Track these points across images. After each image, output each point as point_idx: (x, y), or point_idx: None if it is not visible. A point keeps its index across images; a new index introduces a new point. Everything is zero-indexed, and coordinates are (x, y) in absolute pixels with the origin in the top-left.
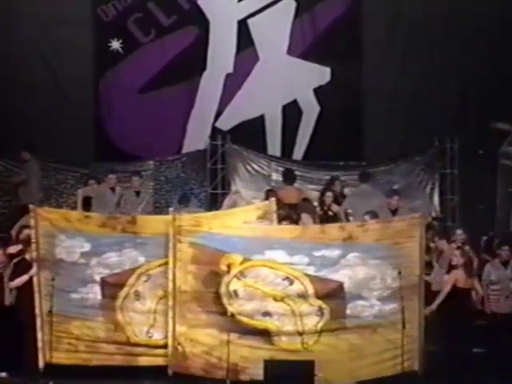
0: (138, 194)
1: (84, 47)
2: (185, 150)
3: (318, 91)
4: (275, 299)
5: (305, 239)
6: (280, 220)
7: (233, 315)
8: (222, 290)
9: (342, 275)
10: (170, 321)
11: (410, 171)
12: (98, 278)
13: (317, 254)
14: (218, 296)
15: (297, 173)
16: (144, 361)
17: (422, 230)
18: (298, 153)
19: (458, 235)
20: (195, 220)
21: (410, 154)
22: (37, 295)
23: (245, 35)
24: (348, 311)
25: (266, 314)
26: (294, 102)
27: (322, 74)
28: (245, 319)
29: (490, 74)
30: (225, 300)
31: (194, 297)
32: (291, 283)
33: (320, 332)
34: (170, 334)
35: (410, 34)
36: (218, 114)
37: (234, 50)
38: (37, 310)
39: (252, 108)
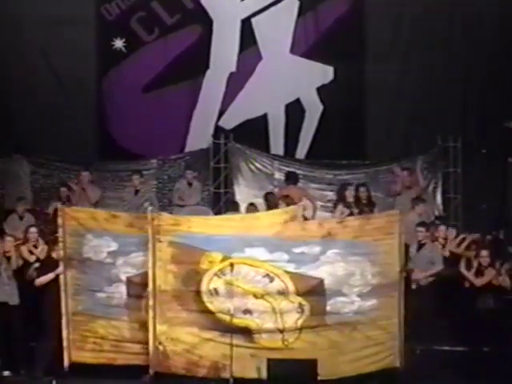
0: (136, 192)
1: (87, 46)
2: (188, 149)
3: (321, 90)
4: (255, 297)
5: (285, 236)
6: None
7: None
8: (203, 288)
9: (322, 272)
10: (151, 320)
11: (413, 170)
12: (123, 277)
13: (297, 250)
14: (198, 294)
15: (299, 172)
16: None
17: (402, 226)
18: (301, 152)
19: (441, 231)
20: (174, 219)
21: (413, 153)
22: (63, 294)
23: (248, 34)
24: (328, 308)
25: (247, 311)
26: (297, 101)
27: (324, 73)
28: (225, 317)
29: (493, 73)
30: (205, 298)
31: (174, 296)
32: (271, 280)
33: (300, 329)
34: (150, 333)
35: (412, 32)
36: (221, 113)
37: (237, 48)
38: (62, 309)
39: (255, 107)
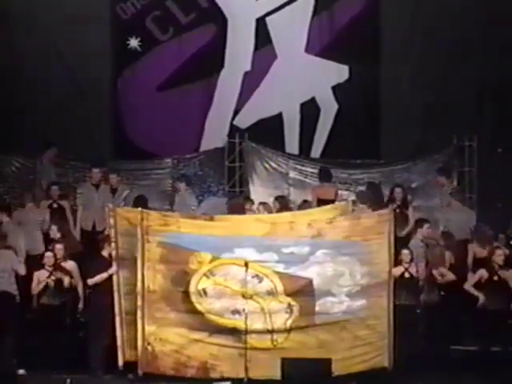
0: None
1: (102, 45)
2: (203, 148)
3: (336, 89)
4: (244, 297)
5: (274, 236)
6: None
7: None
8: (191, 288)
9: (311, 272)
10: (139, 320)
11: (428, 169)
12: None
13: (286, 251)
14: (187, 295)
15: (314, 171)
16: None
17: (391, 226)
18: (316, 151)
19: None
20: (163, 219)
21: (428, 153)
22: (116, 294)
23: (263, 33)
24: (317, 308)
25: (236, 311)
26: (312, 100)
27: (340, 72)
28: (214, 317)
29: (508, 72)
30: (194, 299)
31: (163, 296)
32: (260, 281)
33: (289, 329)
34: (139, 333)
35: (427, 32)
36: (236, 112)
37: (251, 47)
38: (116, 309)
39: (270, 106)
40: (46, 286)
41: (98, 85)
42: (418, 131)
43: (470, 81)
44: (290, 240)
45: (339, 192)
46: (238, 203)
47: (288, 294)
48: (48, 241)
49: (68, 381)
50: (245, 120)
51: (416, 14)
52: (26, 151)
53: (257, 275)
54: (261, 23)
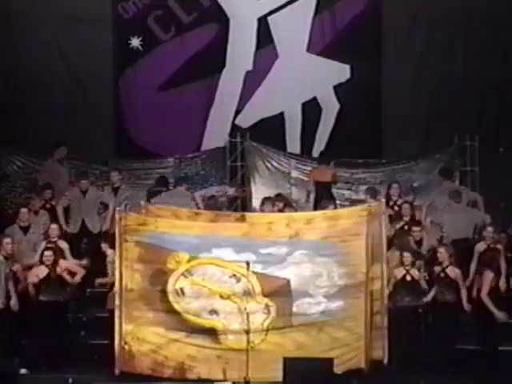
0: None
1: (104, 45)
2: (204, 148)
3: (338, 89)
4: (222, 297)
5: (252, 237)
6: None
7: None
8: (169, 288)
9: (289, 272)
10: (117, 319)
11: (430, 169)
12: None
13: (264, 251)
14: (164, 294)
15: None
16: None
17: (369, 227)
18: (318, 150)
19: None
20: (142, 219)
21: (430, 152)
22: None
23: (264, 32)
24: (294, 309)
25: (213, 312)
26: (314, 100)
27: (341, 72)
28: (192, 317)
29: (510, 71)
30: (171, 298)
31: (140, 295)
32: (238, 281)
33: (267, 330)
34: (116, 332)
35: (430, 31)
36: (238, 112)
37: (253, 47)
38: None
39: (272, 105)
40: (46, 283)
41: (100, 84)
42: (420, 131)
43: (472, 80)
44: (267, 240)
45: (337, 174)
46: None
47: (265, 295)
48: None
49: (70, 380)
50: (246, 119)
51: (417, 13)
52: (28, 150)
53: (234, 275)
54: (262, 23)
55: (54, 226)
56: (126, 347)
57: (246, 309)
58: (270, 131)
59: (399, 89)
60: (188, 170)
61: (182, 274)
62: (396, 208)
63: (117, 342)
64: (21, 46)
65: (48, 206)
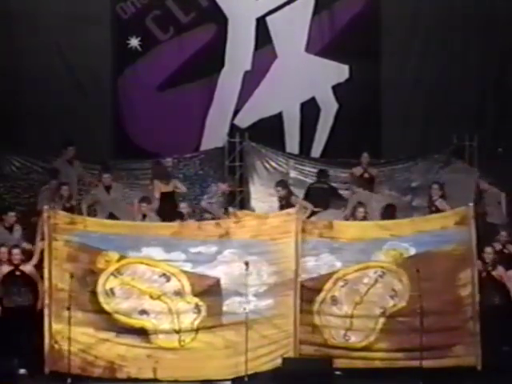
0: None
1: (102, 45)
2: (203, 148)
3: (337, 89)
4: (152, 297)
5: (182, 236)
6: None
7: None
8: (99, 288)
9: (219, 271)
10: (46, 318)
11: (429, 169)
12: None
13: (194, 250)
14: (94, 295)
15: (314, 170)
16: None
17: (298, 225)
18: (316, 150)
19: None
20: (71, 218)
21: (429, 152)
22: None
23: (263, 33)
24: (224, 308)
25: (143, 312)
26: (313, 100)
27: (340, 72)
28: (122, 317)
29: (509, 72)
30: (101, 299)
31: (70, 295)
32: (168, 280)
33: (197, 329)
34: (46, 331)
35: (428, 31)
36: (236, 112)
37: (252, 47)
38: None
39: (270, 105)
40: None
41: (99, 84)
42: (419, 131)
43: (470, 80)
44: (197, 239)
45: None
46: None
47: (195, 294)
48: None
49: (69, 380)
50: (245, 119)
51: (416, 13)
52: (27, 150)
53: (164, 274)
54: (261, 23)
55: (16, 251)
56: (56, 346)
57: (171, 309)
58: (269, 131)
59: (397, 89)
60: (186, 170)
61: (112, 274)
62: (433, 208)
63: (47, 341)
64: (19, 46)
65: (68, 205)
